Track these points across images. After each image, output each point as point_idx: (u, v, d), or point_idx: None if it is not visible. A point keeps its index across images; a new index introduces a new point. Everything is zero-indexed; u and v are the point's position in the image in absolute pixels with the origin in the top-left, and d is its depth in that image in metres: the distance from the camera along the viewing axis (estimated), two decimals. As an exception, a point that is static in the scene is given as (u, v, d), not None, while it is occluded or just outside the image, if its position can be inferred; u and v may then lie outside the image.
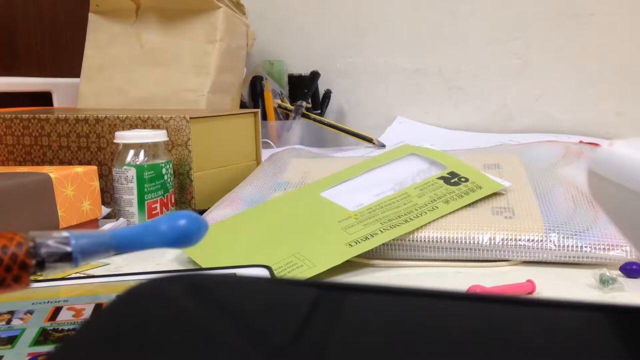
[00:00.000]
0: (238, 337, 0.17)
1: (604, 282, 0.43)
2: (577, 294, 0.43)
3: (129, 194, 0.60)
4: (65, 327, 0.34)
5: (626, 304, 0.19)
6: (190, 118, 0.66)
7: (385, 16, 1.17)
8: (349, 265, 0.49)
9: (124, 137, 0.61)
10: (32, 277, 0.27)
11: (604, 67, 1.04)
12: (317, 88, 1.15)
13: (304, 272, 0.46)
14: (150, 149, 0.61)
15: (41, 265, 0.26)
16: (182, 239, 0.29)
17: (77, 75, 0.99)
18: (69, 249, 0.27)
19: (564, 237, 0.49)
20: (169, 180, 0.62)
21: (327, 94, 1.17)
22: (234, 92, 0.95)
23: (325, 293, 0.20)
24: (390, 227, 0.51)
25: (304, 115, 1.07)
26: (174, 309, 0.19)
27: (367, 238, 0.50)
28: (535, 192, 0.56)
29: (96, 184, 0.60)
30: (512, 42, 1.09)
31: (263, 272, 0.41)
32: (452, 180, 0.57)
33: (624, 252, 0.47)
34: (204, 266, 0.50)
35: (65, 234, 0.27)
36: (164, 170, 0.62)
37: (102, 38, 0.96)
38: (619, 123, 1.04)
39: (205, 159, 0.68)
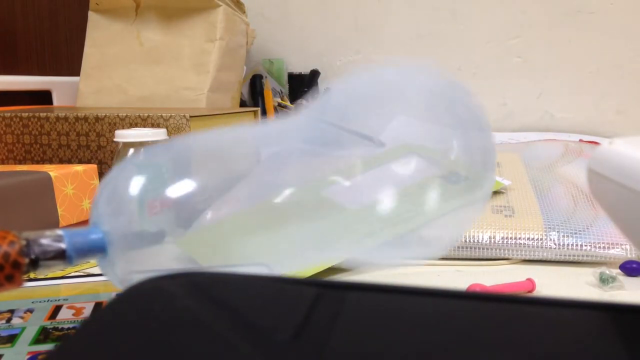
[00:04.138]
0: (238, 336, 0.17)
1: (604, 280, 0.43)
2: (576, 292, 0.43)
3: (128, 193, 0.60)
4: (65, 326, 0.34)
5: (626, 302, 0.19)
6: (190, 116, 0.66)
7: (385, 14, 1.17)
8: (349, 263, 0.50)
9: (123, 135, 0.61)
10: (29, 276, 0.27)
11: (604, 66, 1.03)
12: (317, 87, 1.15)
13: (304, 271, 0.46)
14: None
15: (34, 263, 0.26)
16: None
17: (77, 73, 0.99)
18: (62, 246, 0.26)
19: (563, 236, 0.49)
20: (168, 178, 0.62)
21: (327, 92, 1.17)
22: (234, 91, 0.95)
23: (325, 291, 0.20)
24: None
25: (303, 114, 1.07)
26: (174, 307, 0.19)
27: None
28: (535, 191, 0.56)
29: (96, 182, 0.59)
30: (512, 40, 1.09)
31: (263, 271, 0.41)
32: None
33: (624, 250, 0.47)
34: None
35: (58, 232, 0.27)
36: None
37: (101, 36, 0.96)
38: (619, 122, 1.04)
39: (205, 157, 0.68)
